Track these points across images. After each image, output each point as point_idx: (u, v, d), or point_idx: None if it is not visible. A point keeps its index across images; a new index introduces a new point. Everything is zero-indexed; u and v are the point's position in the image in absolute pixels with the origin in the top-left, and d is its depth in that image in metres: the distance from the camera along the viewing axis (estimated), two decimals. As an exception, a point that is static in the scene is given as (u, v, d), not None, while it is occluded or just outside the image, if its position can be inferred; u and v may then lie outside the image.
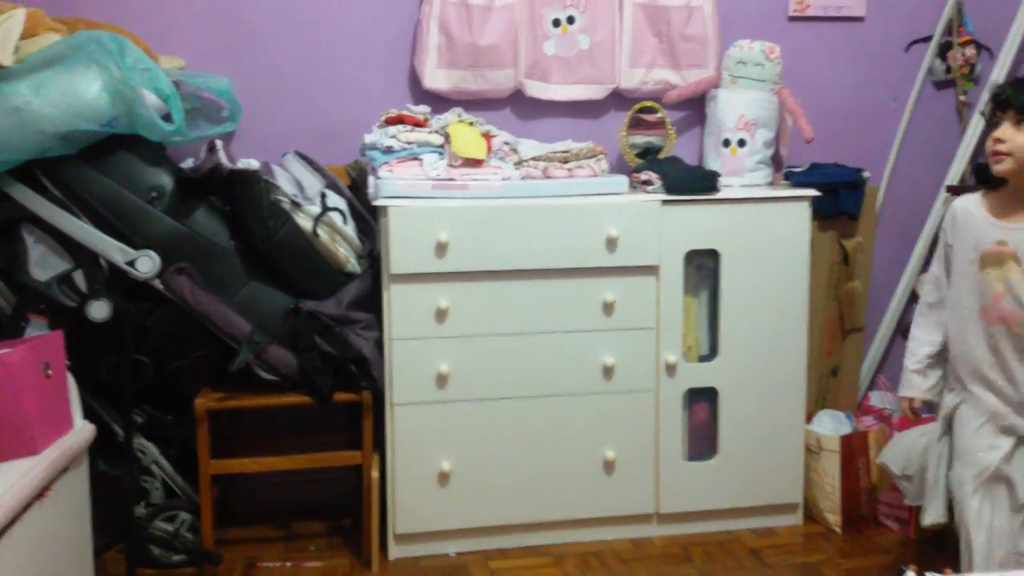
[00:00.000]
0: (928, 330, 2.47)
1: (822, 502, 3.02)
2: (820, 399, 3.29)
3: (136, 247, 2.57)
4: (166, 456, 2.75)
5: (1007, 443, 2.29)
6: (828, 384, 3.32)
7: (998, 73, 3.44)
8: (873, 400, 3.37)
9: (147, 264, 2.57)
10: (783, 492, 3.03)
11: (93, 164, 2.55)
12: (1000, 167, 2.21)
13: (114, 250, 2.56)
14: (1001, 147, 2.19)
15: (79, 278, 2.58)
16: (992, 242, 2.28)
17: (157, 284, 2.59)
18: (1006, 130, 2.18)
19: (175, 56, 2.98)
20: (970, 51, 3.45)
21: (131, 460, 2.57)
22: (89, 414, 2.44)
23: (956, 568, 1.34)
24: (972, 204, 2.34)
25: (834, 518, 2.99)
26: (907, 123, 3.49)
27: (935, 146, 3.51)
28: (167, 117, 2.58)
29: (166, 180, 2.63)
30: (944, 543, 2.90)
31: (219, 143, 2.78)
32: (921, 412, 2.56)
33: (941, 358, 2.46)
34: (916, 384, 2.48)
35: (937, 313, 2.46)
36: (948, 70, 3.48)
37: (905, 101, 3.49)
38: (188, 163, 2.76)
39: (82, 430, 2.22)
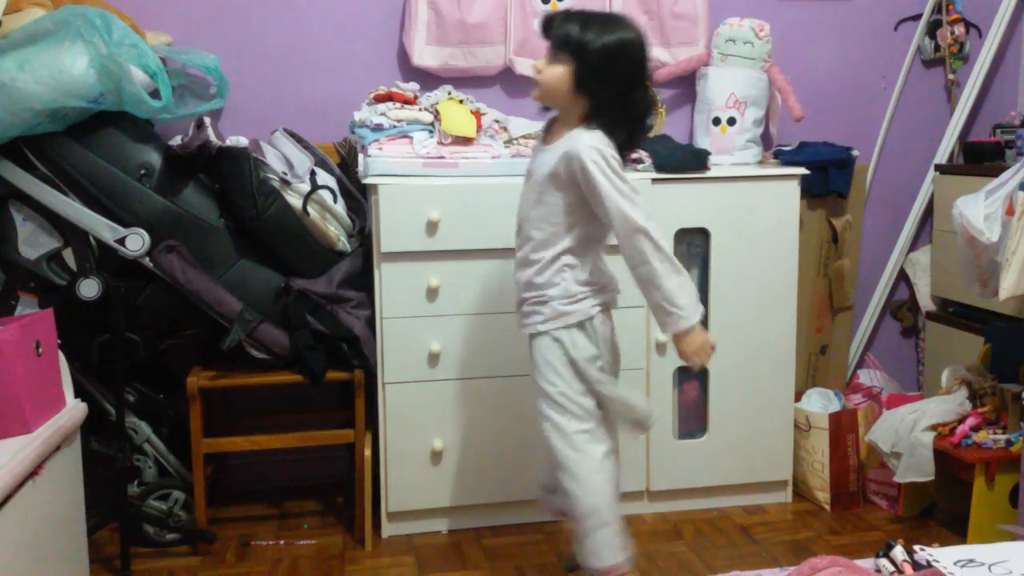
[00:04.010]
0: None
1: (811, 480, 3.05)
2: (809, 377, 3.31)
3: (125, 225, 2.55)
4: (158, 435, 2.75)
5: None
6: (817, 362, 3.34)
7: (987, 52, 3.45)
8: (862, 378, 3.40)
9: (137, 242, 2.55)
10: (772, 470, 3.05)
11: (81, 141, 2.53)
12: (533, 93, 2.25)
13: (103, 228, 2.54)
14: (537, 76, 2.21)
15: (69, 256, 2.57)
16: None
17: (147, 262, 2.58)
18: (541, 61, 2.21)
19: (162, 32, 2.95)
20: (959, 29, 3.46)
21: (123, 439, 2.56)
22: (80, 393, 2.43)
23: (943, 545, 1.35)
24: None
25: (823, 495, 3.02)
26: (896, 102, 3.50)
27: (924, 125, 3.52)
28: (155, 94, 2.56)
29: (154, 157, 2.61)
30: (931, 520, 2.94)
31: (207, 120, 2.75)
32: None
33: None
34: None
35: None
36: (937, 49, 3.49)
37: (894, 79, 3.50)
38: (176, 140, 2.74)
39: (74, 408, 2.22)
